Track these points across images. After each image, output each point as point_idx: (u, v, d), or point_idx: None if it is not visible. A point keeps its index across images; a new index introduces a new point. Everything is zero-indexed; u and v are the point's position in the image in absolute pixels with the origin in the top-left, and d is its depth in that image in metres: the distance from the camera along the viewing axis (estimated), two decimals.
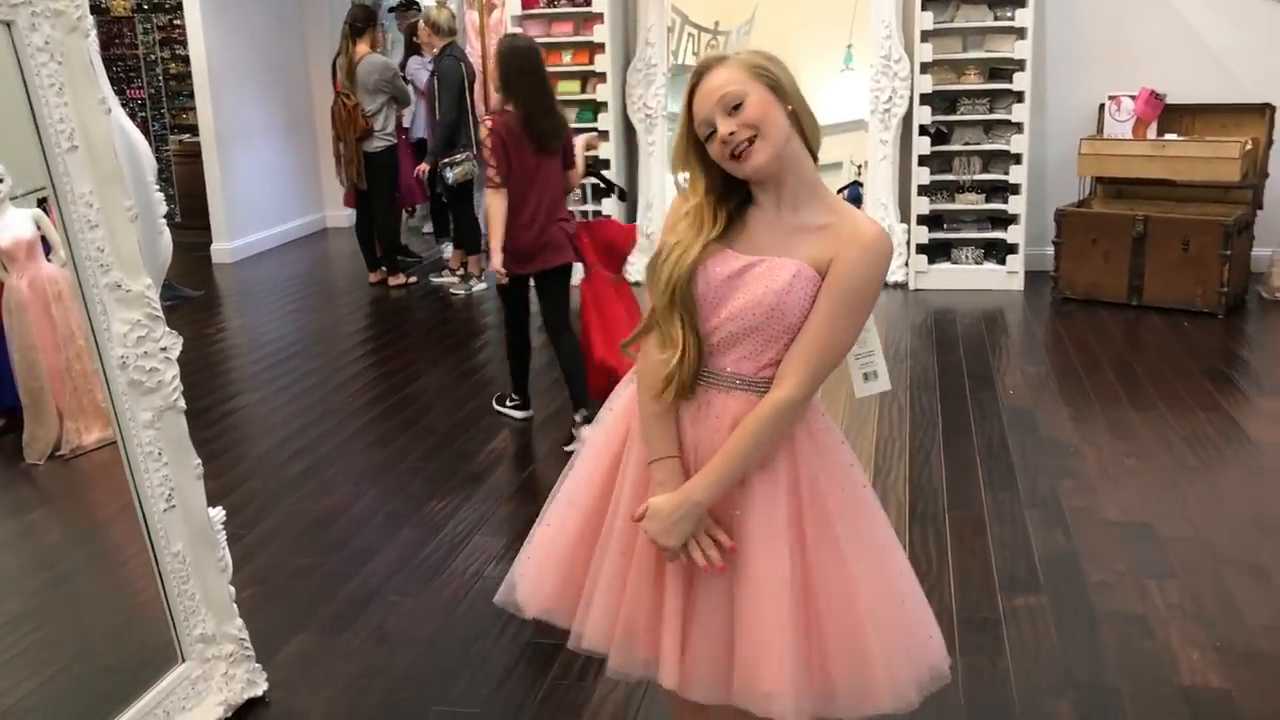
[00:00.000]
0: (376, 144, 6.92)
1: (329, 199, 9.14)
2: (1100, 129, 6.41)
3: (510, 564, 2.00)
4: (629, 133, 7.08)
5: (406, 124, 7.47)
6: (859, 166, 6.98)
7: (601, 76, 6.87)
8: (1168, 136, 6.19)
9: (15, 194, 2.50)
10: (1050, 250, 6.31)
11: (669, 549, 1.75)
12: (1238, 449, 4.14)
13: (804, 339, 1.74)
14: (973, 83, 6.47)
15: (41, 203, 2.49)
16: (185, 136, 8.78)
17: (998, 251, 6.59)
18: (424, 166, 6.95)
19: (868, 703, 1.81)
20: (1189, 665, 2.76)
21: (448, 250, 7.50)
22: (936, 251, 6.68)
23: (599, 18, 6.79)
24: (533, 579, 1.94)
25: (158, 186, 2.69)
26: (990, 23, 6.39)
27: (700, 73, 1.77)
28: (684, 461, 1.81)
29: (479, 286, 7.01)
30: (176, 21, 8.48)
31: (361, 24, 6.89)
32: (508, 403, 4.76)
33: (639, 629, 1.83)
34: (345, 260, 8.08)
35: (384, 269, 7.27)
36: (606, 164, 6.77)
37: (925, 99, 6.45)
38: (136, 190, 2.53)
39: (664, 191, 6.91)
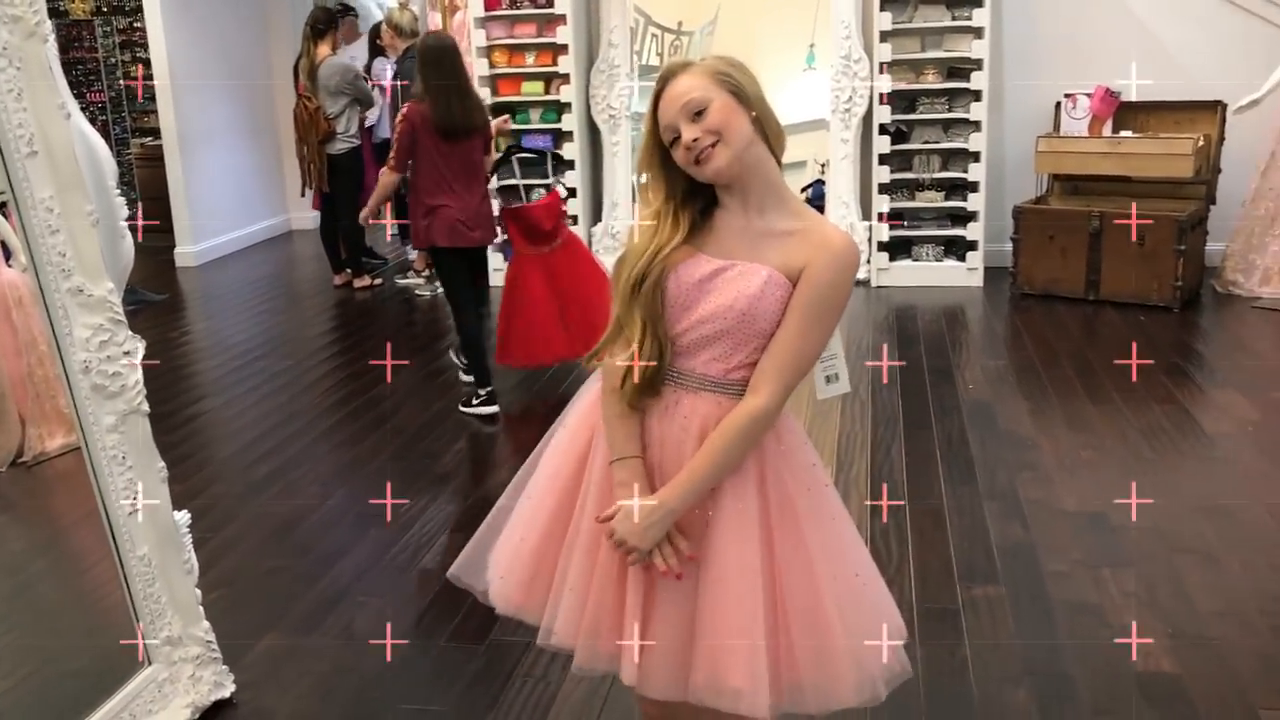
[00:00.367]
0: (339, 146, 6.92)
1: (293, 201, 9.11)
2: (1057, 127, 6.51)
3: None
4: (593, 133, 7.11)
5: (371, 124, 7.46)
6: (822, 165, 7.04)
7: (565, 78, 6.89)
8: (1123, 134, 6.29)
9: None
10: (1009, 247, 6.40)
11: (637, 551, 1.78)
12: (1192, 440, 4.23)
13: (777, 350, 1.77)
14: (931, 82, 6.55)
15: (0, 208, 2.49)
16: (147, 140, 8.72)
17: (958, 248, 6.68)
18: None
19: (834, 698, 1.84)
20: (1142, 652, 2.82)
21: (413, 252, 7.50)
22: (897, 249, 6.75)
23: (562, 19, 6.82)
24: (502, 577, 1.97)
25: (119, 191, 2.69)
26: (948, 23, 6.47)
27: (665, 79, 1.80)
28: (650, 461, 1.84)
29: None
30: (137, 24, 8.43)
31: (323, 26, 6.88)
32: (475, 401, 4.79)
33: (603, 626, 1.85)
34: (310, 263, 8.06)
35: (349, 271, 7.26)
36: (518, 142, 6.70)
37: (885, 98, 6.52)
38: (97, 195, 2.53)
39: (629, 191, 6.95)
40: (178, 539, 2.68)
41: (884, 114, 6.54)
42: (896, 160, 6.62)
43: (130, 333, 2.53)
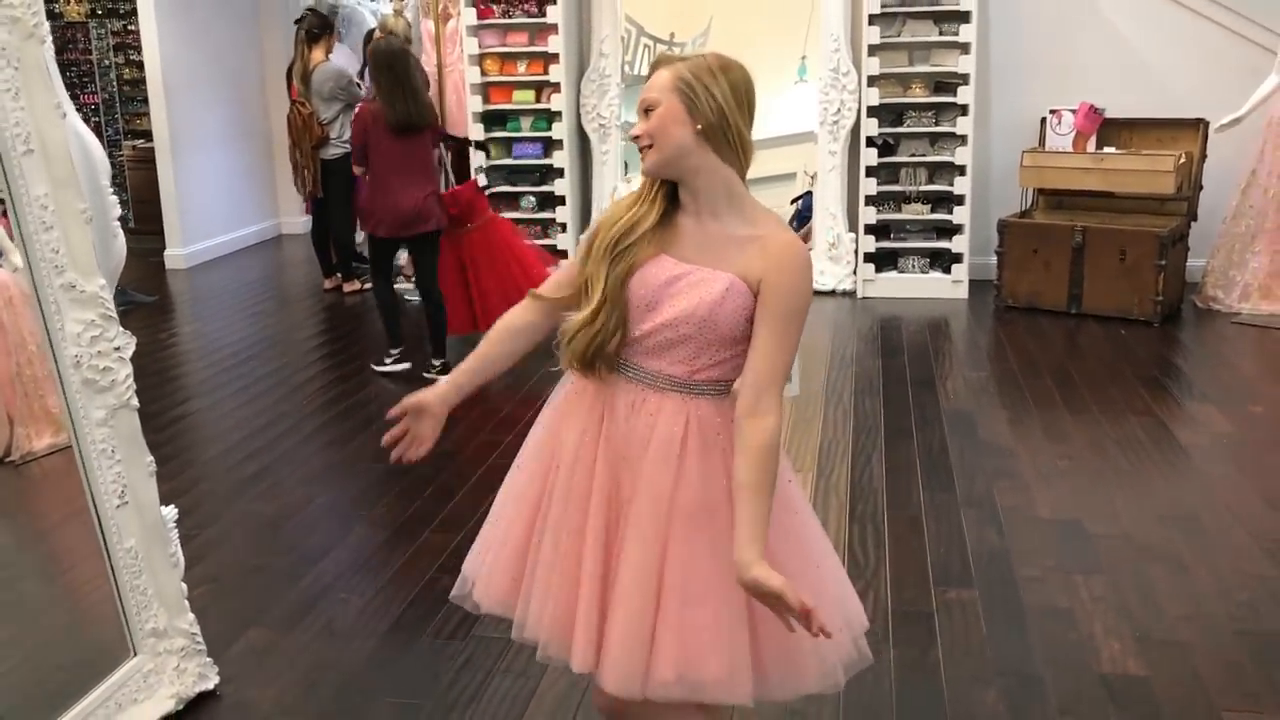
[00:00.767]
0: (332, 151, 6.96)
1: (284, 205, 9.16)
2: (1042, 142, 6.59)
3: (461, 561, 2.08)
4: (583, 142, 7.18)
5: None
6: (812, 176, 7.11)
7: (556, 86, 6.96)
8: (1106, 150, 6.38)
9: None
10: (993, 259, 6.48)
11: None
12: (1166, 452, 4.29)
13: (765, 366, 1.80)
14: (918, 96, 6.63)
15: None
16: (139, 142, 8.76)
17: (943, 260, 6.75)
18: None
19: (798, 686, 1.91)
20: (1110, 654, 2.89)
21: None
22: (883, 261, 6.83)
23: (554, 28, 6.89)
24: (485, 578, 2.02)
25: (112, 190, 2.74)
26: (935, 38, 6.55)
27: (656, 64, 1.88)
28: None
29: None
30: (131, 27, 8.48)
31: (317, 31, 6.93)
32: (387, 360, 5.45)
33: (563, 618, 1.90)
34: (300, 266, 8.10)
35: (339, 275, 7.30)
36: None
37: (873, 111, 6.60)
38: (91, 193, 2.58)
39: (616, 199, 7.00)
40: (164, 533, 2.73)
41: (871, 127, 6.62)
42: (883, 173, 6.70)
43: (121, 329, 2.57)
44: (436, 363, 5.37)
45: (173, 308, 7.19)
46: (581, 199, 7.25)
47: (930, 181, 6.71)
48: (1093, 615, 3.08)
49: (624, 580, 1.85)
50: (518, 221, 7.18)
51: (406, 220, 5.20)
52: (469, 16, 6.98)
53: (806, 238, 7.04)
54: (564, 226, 7.09)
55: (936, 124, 6.64)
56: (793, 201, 7.23)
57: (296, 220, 9.02)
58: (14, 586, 2.82)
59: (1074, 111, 6.41)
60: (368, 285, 7.33)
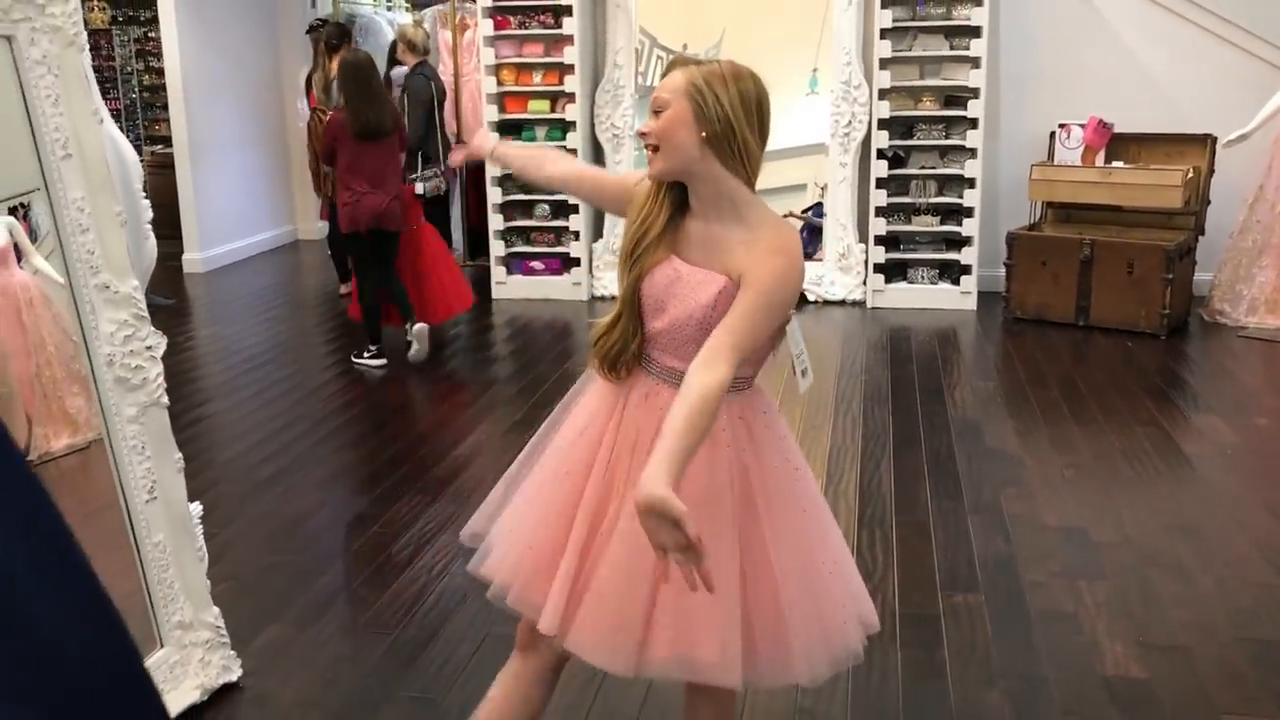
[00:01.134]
0: None
1: (300, 212, 9.27)
2: (1051, 156, 6.65)
3: (477, 560, 2.14)
4: (597, 151, 7.26)
5: None
6: (822, 188, 7.18)
7: (571, 97, 7.05)
8: (1114, 164, 6.44)
9: None
10: (1002, 271, 6.54)
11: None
12: (1171, 462, 4.35)
13: (723, 331, 1.80)
14: (929, 109, 6.70)
15: (13, 211, 2.61)
16: (158, 147, 8.87)
17: (952, 272, 6.82)
18: None
19: (786, 675, 1.97)
20: (1113, 657, 2.94)
21: None
22: (893, 271, 6.89)
23: (569, 39, 6.98)
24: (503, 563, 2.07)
25: (144, 194, 2.83)
26: (946, 52, 6.63)
27: (671, 65, 1.94)
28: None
29: None
30: (151, 34, 8.59)
31: (336, 40, 7.03)
32: (366, 355, 5.76)
33: (541, 574, 1.96)
34: (316, 272, 8.19)
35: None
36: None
37: (883, 124, 6.68)
38: (125, 197, 2.67)
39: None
40: (191, 528, 2.80)
41: (882, 139, 6.69)
42: (894, 184, 6.77)
43: (153, 328, 2.65)
44: (373, 347, 5.80)
45: (190, 311, 7.28)
46: (595, 209, 7.33)
47: (940, 194, 6.78)
48: (1096, 620, 3.14)
49: (619, 560, 1.89)
50: (532, 229, 7.29)
51: (373, 219, 5.56)
52: (486, 27, 7.08)
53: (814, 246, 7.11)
54: (577, 234, 7.18)
55: (947, 137, 6.71)
56: (803, 212, 7.30)
57: (313, 226, 9.12)
58: None
59: (1083, 126, 6.47)
60: None
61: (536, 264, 7.33)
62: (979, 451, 4.47)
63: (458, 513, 3.97)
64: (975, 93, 6.53)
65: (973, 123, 6.57)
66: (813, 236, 7.16)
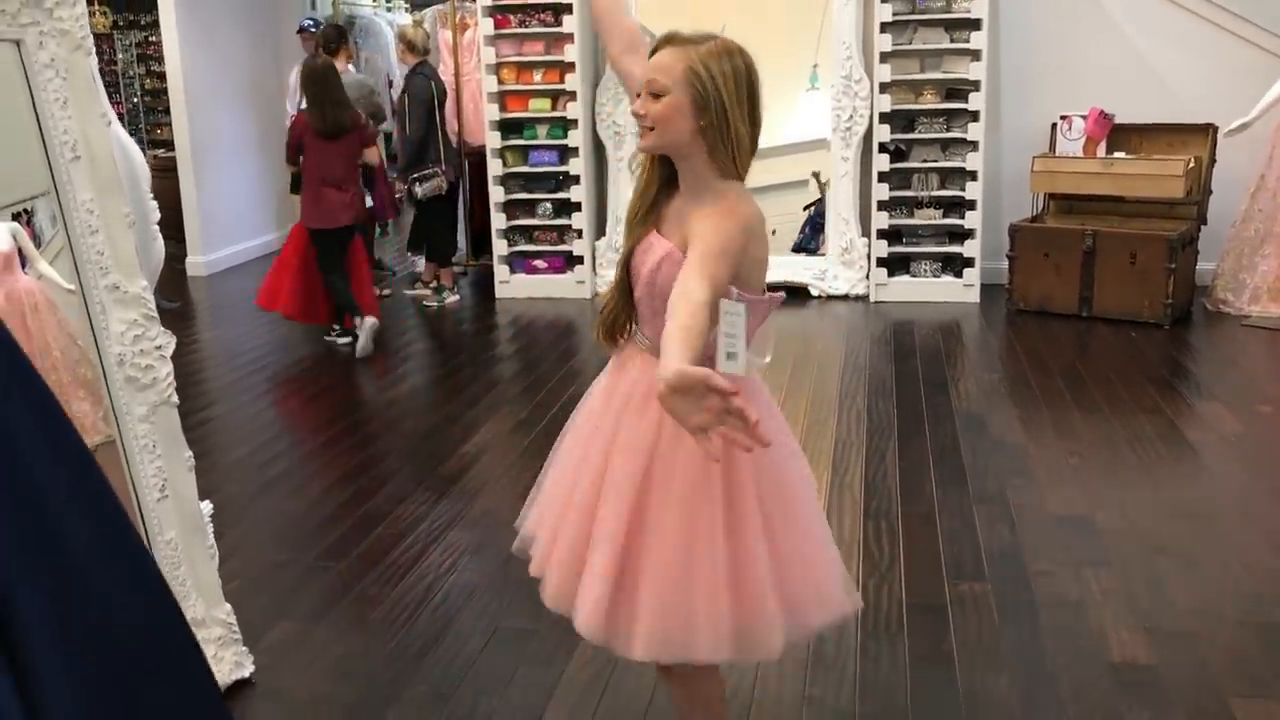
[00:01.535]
0: None
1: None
2: (1052, 147, 6.66)
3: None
4: (598, 149, 7.27)
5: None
6: (823, 183, 7.20)
7: (572, 94, 7.06)
8: (1116, 155, 6.45)
9: None
10: (1005, 264, 6.55)
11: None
12: (1175, 450, 4.36)
13: (687, 264, 1.80)
14: (930, 102, 6.71)
15: (16, 216, 2.63)
16: (160, 151, 8.90)
17: (955, 265, 6.83)
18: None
19: (756, 652, 2.01)
20: (1119, 644, 2.96)
21: (421, 264, 7.66)
22: (896, 265, 6.91)
23: (569, 38, 6.99)
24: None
25: (151, 196, 2.85)
26: (947, 45, 6.64)
27: (661, 44, 1.95)
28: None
29: (451, 299, 7.18)
30: (152, 38, 8.61)
31: (334, 43, 7.03)
32: (334, 330, 6.23)
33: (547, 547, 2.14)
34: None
35: None
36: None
37: (885, 118, 6.69)
38: (133, 198, 2.69)
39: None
40: (202, 525, 2.82)
41: (884, 133, 6.70)
42: (895, 178, 6.78)
43: (162, 328, 2.67)
44: (336, 327, 6.27)
45: (194, 314, 7.31)
46: (597, 205, 7.35)
47: (942, 187, 6.79)
48: (1102, 607, 3.15)
49: (596, 533, 1.99)
50: (534, 228, 7.31)
51: (331, 213, 5.95)
52: (486, 26, 7.09)
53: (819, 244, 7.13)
54: (580, 232, 7.20)
55: (948, 130, 6.72)
56: (805, 208, 7.32)
57: None
58: None
59: (1084, 117, 6.48)
60: (387, 292, 7.45)
61: (539, 262, 7.35)
62: (984, 442, 4.48)
63: (464, 510, 4.00)
64: (976, 85, 6.54)
65: (974, 115, 6.58)
66: (814, 232, 7.18)
